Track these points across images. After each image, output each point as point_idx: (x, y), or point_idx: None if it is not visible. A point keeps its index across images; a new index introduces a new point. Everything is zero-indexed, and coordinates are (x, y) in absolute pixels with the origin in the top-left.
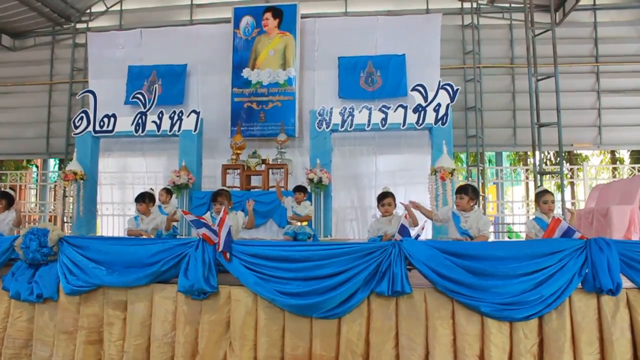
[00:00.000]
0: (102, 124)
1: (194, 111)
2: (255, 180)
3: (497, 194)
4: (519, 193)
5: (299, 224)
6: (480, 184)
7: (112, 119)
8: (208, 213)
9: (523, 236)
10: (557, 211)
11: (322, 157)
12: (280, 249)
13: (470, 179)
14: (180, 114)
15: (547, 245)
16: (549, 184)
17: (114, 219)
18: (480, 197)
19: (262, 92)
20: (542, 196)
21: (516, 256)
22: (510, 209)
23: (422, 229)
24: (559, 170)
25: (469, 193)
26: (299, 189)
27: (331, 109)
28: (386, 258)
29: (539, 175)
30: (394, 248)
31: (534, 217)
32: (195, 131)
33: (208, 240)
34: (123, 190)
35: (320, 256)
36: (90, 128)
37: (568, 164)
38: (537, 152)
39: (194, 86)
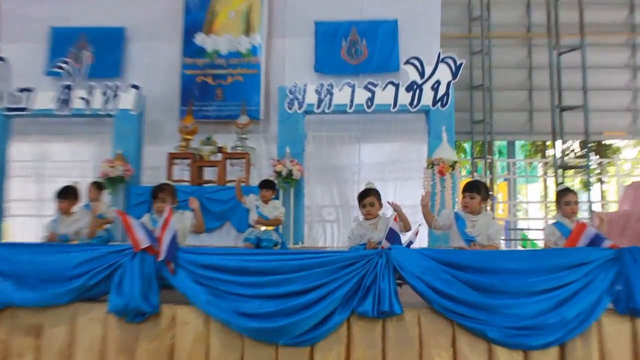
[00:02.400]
0: (15, 99)
1: (133, 86)
2: (209, 173)
3: (509, 192)
4: (536, 192)
5: (263, 228)
6: (488, 180)
7: (28, 94)
8: (147, 214)
9: (540, 245)
10: (582, 215)
11: (293, 145)
12: (239, 258)
13: (475, 174)
14: (116, 89)
15: (570, 255)
16: (573, 181)
17: (28, 221)
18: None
19: (219, 63)
20: (563, 196)
21: (532, 269)
22: (525, 211)
23: (416, 234)
24: (584, 164)
25: (482, 192)
26: (267, 184)
27: (305, 85)
28: (371, 270)
29: (560, 170)
30: (380, 258)
31: (553, 221)
32: (134, 111)
33: (148, 248)
34: (41, 185)
35: (290, 268)
36: (0, 105)
37: (596, 157)
38: (558, 142)
39: (135, 55)
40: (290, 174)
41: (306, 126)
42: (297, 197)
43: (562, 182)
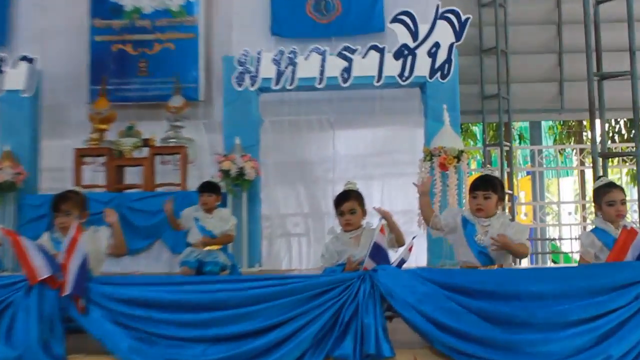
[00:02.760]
0: None
1: (24, 58)
2: (132, 175)
3: (534, 191)
4: (570, 189)
5: (207, 247)
6: (506, 175)
7: None
8: (47, 233)
9: (576, 259)
10: (633, 217)
11: (244, 135)
12: (175, 289)
13: (489, 166)
14: (0, 62)
15: (616, 273)
16: (619, 173)
17: None
18: (505, 197)
19: (142, 26)
20: (605, 193)
21: (565, 292)
22: (555, 215)
23: (410, 250)
24: (634, 150)
25: (499, 190)
26: (209, 188)
27: (259, 54)
28: (350, 300)
29: (600, 159)
30: (362, 283)
31: (592, 227)
32: (26, 92)
33: (48, 279)
34: None
35: (243, 300)
36: None
37: None
38: (597, 122)
39: (25, 16)
40: (241, 173)
41: (262, 109)
42: (252, 204)
43: (603, 176)
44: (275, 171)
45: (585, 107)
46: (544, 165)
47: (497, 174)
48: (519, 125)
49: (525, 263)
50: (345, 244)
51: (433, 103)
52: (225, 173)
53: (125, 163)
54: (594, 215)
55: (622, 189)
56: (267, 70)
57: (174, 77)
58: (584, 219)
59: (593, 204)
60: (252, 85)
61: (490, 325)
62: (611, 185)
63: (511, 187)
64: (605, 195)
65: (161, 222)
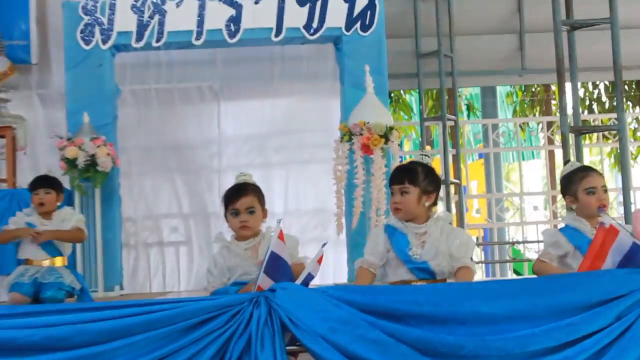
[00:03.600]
0: None
1: None
2: None
3: (488, 179)
4: (536, 175)
5: (46, 263)
6: (451, 159)
7: None
8: None
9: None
10: (615, 212)
11: (95, 111)
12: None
13: (428, 148)
14: None
15: (591, 285)
16: (598, 154)
17: None
18: (451, 188)
19: None
20: (582, 179)
21: (526, 313)
22: (517, 209)
23: (319, 261)
24: (614, 123)
25: (421, 180)
26: (45, 183)
27: None
28: (240, 331)
29: (571, 136)
30: (256, 308)
31: (562, 226)
32: None
33: None
34: None
35: (95, 336)
36: None
37: (636, 109)
38: (568, 85)
39: None
40: (92, 162)
41: (119, 74)
42: (109, 204)
43: (577, 156)
44: (139, 159)
45: (552, 67)
46: (501, 145)
47: (430, 160)
48: (468, 92)
49: (478, 276)
50: (238, 256)
51: (352, 64)
52: (70, 163)
53: None
54: (565, 209)
55: (601, 175)
56: (125, 20)
57: None
58: (555, 215)
59: (563, 198)
60: (105, 42)
61: (429, 359)
62: (588, 169)
63: (458, 176)
64: (583, 181)
65: None
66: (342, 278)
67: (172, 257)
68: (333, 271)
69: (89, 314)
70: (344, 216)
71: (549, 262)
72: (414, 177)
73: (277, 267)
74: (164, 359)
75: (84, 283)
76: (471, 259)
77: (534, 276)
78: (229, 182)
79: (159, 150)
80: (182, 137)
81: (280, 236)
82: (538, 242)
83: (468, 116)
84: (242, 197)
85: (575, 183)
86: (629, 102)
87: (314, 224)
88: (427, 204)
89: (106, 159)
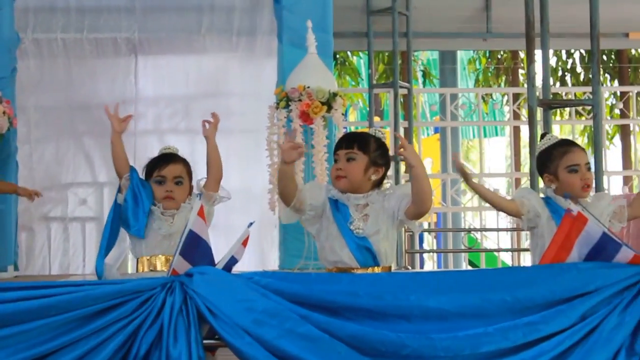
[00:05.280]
0: None
1: None
2: None
3: (444, 157)
4: (499, 154)
5: None
6: (403, 132)
7: None
8: None
9: (505, 261)
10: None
11: None
12: None
13: (378, 120)
14: None
15: (554, 279)
16: (569, 132)
17: None
18: (400, 166)
19: None
20: (563, 155)
21: (479, 309)
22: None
23: (245, 243)
24: (589, 98)
25: (371, 149)
26: None
27: None
28: (150, 320)
29: (539, 110)
30: (170, 294)
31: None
32: None
33: None
34: None
35: None
36: None
37: (614, 84)
38: (538, 53)
39: None
40: None
41: (19, 21)
42: (2, 171)
43: (547, 132)
44: (42, 120)
45: (521, 32)
46: (461, 119)
47: (388, 131)
48: (425, 56)
49: (429, 266)
50: (157, 217)
51: (291, 18)
52: None
53: None
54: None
55: (583, 149)
56: None
57: None
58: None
59: (540, 176)
60: None
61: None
62: (569, 143)
63: (408, 150)
64: (564, 158)
65: None
66: (273, 265)
67: (77, 234)
68: (261, 257)
69: None
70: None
71: (519, 207)
72: (364, 144)
73: (196, 248)
74: (60, 350)
75: None
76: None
77: (495, 268)
78: (147, 148)
79: (63, 111)
80: (92, 96)
81: (201, 213)
82: (498, 230)
83: (424, 84)
84: (170, 164)
85: (555, 160)
86: (606, 75)
87: (240, 204)
88: (373, 177)
89: (1, 118)
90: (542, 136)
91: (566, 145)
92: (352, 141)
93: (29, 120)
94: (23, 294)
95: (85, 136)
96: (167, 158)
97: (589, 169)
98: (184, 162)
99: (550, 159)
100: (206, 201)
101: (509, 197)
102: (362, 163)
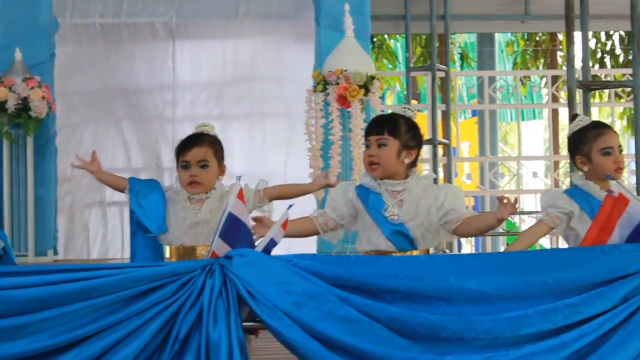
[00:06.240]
0: None
1: None
2: None
3: (482, 140)
4: (538, 138)
5: None
6: (440, 115)
7: None
8: None
9: (544, 244)
10: (627, 182)
11: (28, 47)
12: None
13: (414, 102)
14: None
15: (595, 261)
16: (608, 115)
17: None
18: (438, 149)
19: None
20: (596, 137)
21: (519, 291)
22: (514, 176)
23: (284, 226)
24: (629, 79)
25: (401, 132)
26: None
27: None
28: (190, 303)
29: (579, 92)
30: (209, 277)
31: (566, 188)
32: None
33: None
34: None
35: (20, 305)
36: None
37: None
38: (577, 35)
39: None
40: (25, 107)
41: (57, 5)
42: (43, 156)
43: (585, 114)
44: (81, 105)
45: (560, 13)
46: (498, 102)
47: (426, 114)
48: (462, 39)
49: (466, 249)
50: (179, 204)
51: (329, 2)
52: None
53: None
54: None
55: (616, 133)
56: None
57: None
58: (557, 183)
59: (572, 159)
60: None
61: (406, 342)
62: (603, 125)
63: (447, 135)
64: (598, 140)
65: None
66: (311, 248)
67: (115, 219)
68: (299, 240)
69: (9, 280)
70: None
71: (548, 223)
72: (394, 127)
73: (235, 231)
74: (101, 333)
75: (7, 242)
76: None
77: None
78: (185, 134)
79: (102, 95)
80: (130, 81)
81: (240, 196)
82: (536, 212)
83: (461, 67)
84: (194, 147)
85: (588, 141)
86: None
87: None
88: (406, 160)
89: (40, 103)
90: (573, 118)
91: (600, 127)
92: (382, 126)
93: (67, 105)
94: (64, 276)
95: (123, 121)
96: (190, 141)
97: (621, 151)
98: (211, 143)
99: (584, 141)
100: (254, 199)
101: (535, 219)
102: (394, 148)
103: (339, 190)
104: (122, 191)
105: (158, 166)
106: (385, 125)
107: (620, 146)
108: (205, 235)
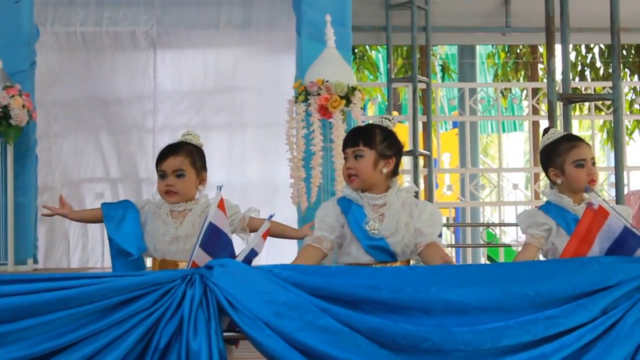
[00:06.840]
0: None
1: None
2: None
3: (462, 151)
4: (518, 150)
5: None
6: (421, 127)
7: None
8: None
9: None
10: (606, 195)
11: (8, 56)
12: None
13: (395, 114)
14: None
15: (575, 273)
16: (588, 128)
17: None
18: (419, 160)
19: None
20: (569, 150)
21: (500, 303)
22: (495, 187)
23: (265, 236)
24: (609, 93)
25: (376, 142)
26: None
27: None
28: (170, 313)
29: (559, 104)
30: (190, 287)
31: (541, 205)
32: None
33: None
34: None
35: (0, 313)
36: None
37: (634, 79)
38: (558, 47)
39: None
40: (4, 115)
41: (38, 14)
42: (22, 165)
43: (565, 127)
44: (61, 114)
45: (541, 26)
46: (479, 114)
47: (391, 124)
48: (443, 51)
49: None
50: (160, 218)
51: (310, 12)
52: None
53: None
54: (545, 187)
55: (589, 145)
56: None
57: None
58: (537, 195)
59: (545, 171)
60: None
61: (387, 353)
62: (575, 138)
63: (428, 146)
64: (571, 153)
65: None
66: (292, 258)
67: (95, 228)
68: (281, 250)
69: None
70: (304, 187)
71: (535, 245)
72: (369, 138)
73: (216, 240)
74: (80, 342)
75: None
76: (440, 235)
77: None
78: (166, 143)
79: (82, 104)
80: (111, 90)
81: (221, 206)
82: (517, 225)
83: (442, 78)
84: (170, 157)
85: (561, 154)
86: (626, 70)
87: (262, 197)
88: (384, 170)
89: (21, 111)
90: (546, 131)
91: (572, 140)
92: (358, 137)
93: (47, 114)
94: (43, 285)
95: (103, 130)
96: (167, 151)
97: (594, 163)
98: (188, 152)
99: (557, 153)
100: (238, 224)
101: (522, 242)
102: (370, 159)
103: (327, 211)
104: (101, 221)
105: (137, 176)
106: (360, 137)
107: (593, 158)
108: (187, 252)
